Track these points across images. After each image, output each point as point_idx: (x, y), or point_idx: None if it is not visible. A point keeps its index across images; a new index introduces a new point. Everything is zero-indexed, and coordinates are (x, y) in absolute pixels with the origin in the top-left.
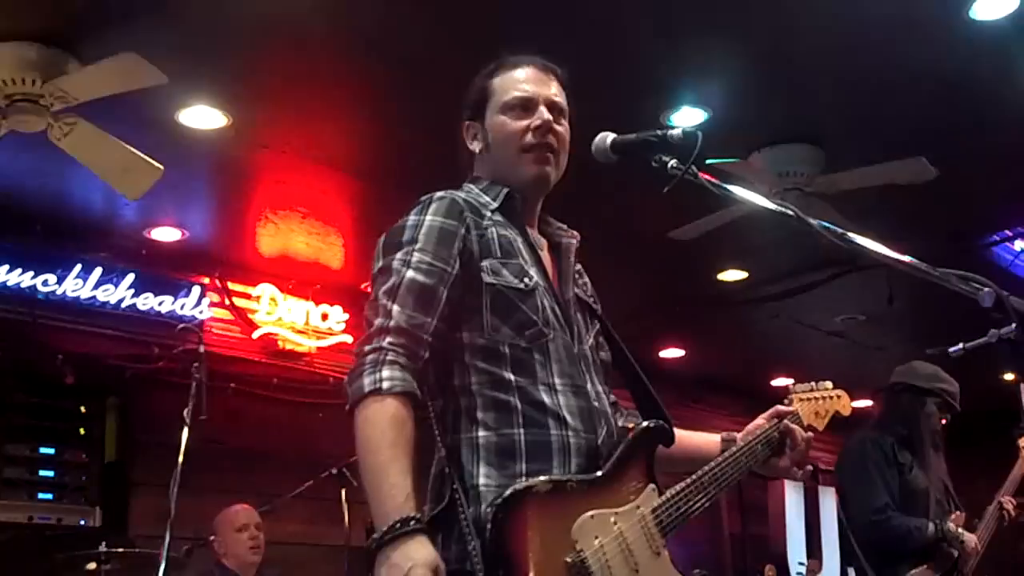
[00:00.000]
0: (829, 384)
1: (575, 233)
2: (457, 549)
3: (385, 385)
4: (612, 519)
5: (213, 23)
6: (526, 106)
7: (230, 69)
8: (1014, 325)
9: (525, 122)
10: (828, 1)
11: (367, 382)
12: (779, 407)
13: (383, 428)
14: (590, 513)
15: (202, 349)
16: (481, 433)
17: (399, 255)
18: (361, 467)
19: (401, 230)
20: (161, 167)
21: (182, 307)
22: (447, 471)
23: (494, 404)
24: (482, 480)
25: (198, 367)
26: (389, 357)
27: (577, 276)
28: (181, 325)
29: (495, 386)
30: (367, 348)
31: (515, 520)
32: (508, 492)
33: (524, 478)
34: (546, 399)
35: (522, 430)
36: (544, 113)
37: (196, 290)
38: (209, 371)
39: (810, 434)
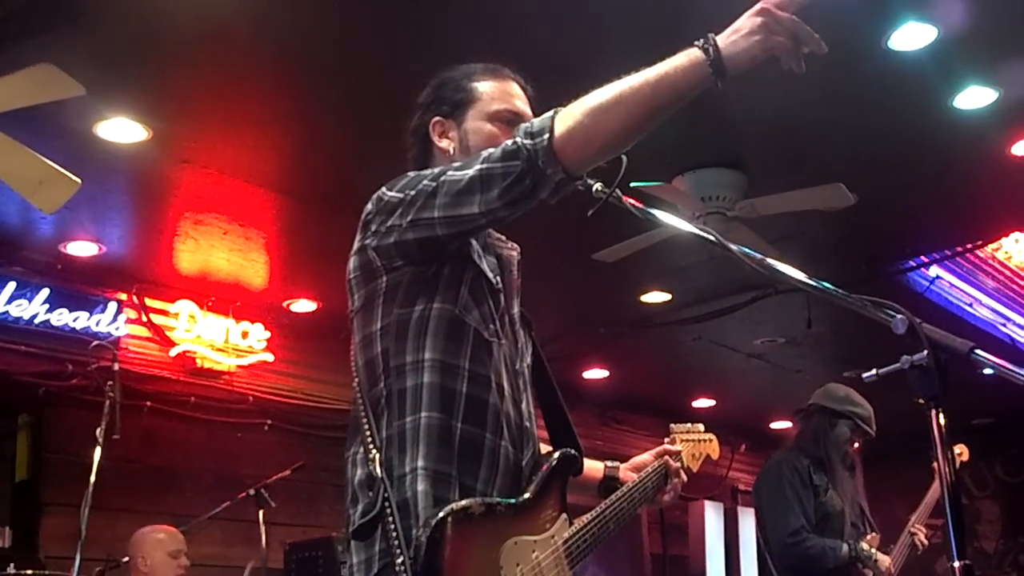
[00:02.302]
0: (701, 427)
1: (515, 245)
2: (386, 561)
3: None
4: (532, 547)
5: (134, 34)
6: (513, 121)
7: (151, 81)
8: (926, 352)
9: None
10: None
11: (542, 118)
12: (666, 446)
13: (596, 91)
14: (514, 540)
15: (116, 366)
16: (424, 414)
17: (425, 180)
18: (627, 105)
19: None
20: (78, 180)
21: (98, 323)
22: (377, 475)
23: (441, 388)
24: (420, 462)
25: (112, 385)
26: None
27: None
28: (95, 342)
29: (446, 369)
30: (503, 148)
31: (447, 543)
32: (443, 513)
33: (455, 475)
34: (492, 400)
35: (459, 423)
36: None
37: (112, 306)
38: (125, 389)
39: (685, 478)
